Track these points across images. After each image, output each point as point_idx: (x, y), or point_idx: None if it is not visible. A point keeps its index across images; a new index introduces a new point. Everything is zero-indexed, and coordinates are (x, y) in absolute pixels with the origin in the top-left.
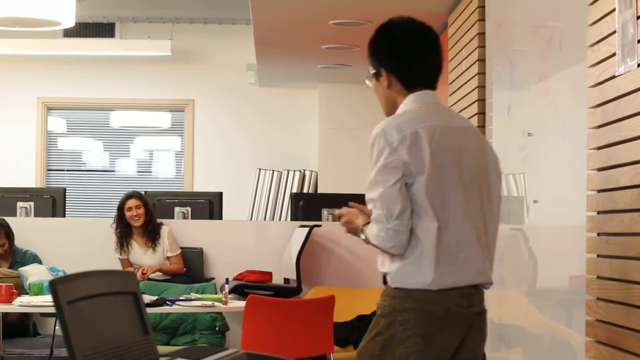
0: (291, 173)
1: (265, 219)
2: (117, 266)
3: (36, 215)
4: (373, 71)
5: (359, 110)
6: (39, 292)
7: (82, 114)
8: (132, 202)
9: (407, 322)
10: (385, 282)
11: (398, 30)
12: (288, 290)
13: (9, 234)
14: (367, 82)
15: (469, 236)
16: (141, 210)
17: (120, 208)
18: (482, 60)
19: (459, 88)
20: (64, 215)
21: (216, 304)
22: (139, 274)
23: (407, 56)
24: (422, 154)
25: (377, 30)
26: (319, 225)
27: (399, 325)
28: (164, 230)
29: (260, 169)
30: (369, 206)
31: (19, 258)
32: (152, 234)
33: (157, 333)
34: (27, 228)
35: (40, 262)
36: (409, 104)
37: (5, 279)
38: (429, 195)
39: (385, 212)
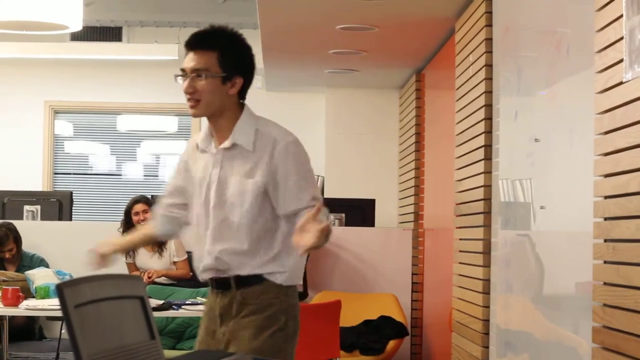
0: None
1: None
2: (124, 270)
3: (43, 218)
4: (223, 74)
5: (365, 115)
6: (45, 295)
7: (89, 118)
8: (139, 207)
9: (296, 317)
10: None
11: (247, 43)
12: None
13: (17, 239)
14: (195, 76)
15: None
16: (148, 215)
17: (128, 212)
18: (489, 66)
19: (465, 94)
20: (70, 219)
21: None
22: (144, 277)
23: (254, 72)
24: None
25: (234, 34)
26: None
27: (293, 320)
28: None
29: None
30: (313, 201)
31: (26, 262)
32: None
33: (163, 337)
34: (33, 231)
35: (47, 266)
36: (253, 113)
37: (11, 282)
38: None
39: None
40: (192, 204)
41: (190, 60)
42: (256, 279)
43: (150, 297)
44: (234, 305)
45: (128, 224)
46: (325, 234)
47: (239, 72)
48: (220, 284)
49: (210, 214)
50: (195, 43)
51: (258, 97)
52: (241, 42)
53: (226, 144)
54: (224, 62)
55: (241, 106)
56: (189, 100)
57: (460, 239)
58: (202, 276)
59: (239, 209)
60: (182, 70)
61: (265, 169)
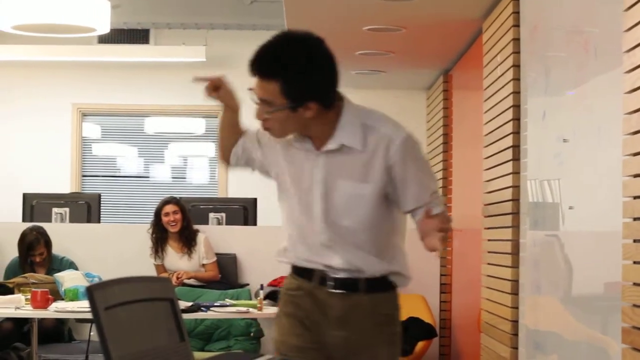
0: None
1: None
2: (152, 272)
3: (71, 221)
4: (290, 105)
5: (393, 116)
6: (74, 297)
7: (116, 120)
8: (169, 208)
9: None
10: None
11: (323, 55)
12: None
13: (47, 242)
14: (267, 107)
15: None
16: (178, 216)
17: (157, 213)
18: (516, 66)
19: (493, 94)
20: (98, 221)
21: (251, 310)
22: (173, 278)
23: (335, 81)
24: None
25: (299, 53)
26: None
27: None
28: (200, 237)
29: None
30: (432, 197)
31: (56, 265)
32: (188, 240)
33: (191, 339)
34: (62, 234)
35: (76, 269)
36: (357, 107)
37: (40, 284)
38: None
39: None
40: (287, 198)
41: (256, 86)
42: (385, 285)
43: (179, 299)
44: (361, 311)
45: (158, 225)
46: (447, 227)
47: (310, 98)
48: (345, 284)
49: (319, 219)
50: (257, 69)
51: None
52: (309, 62)
53: (331, 145)
54: (289, 91)
55: (335, 107)
56: (261, 125)
57: (489, 240)
58: (307, 265)
59: (355, 213)
60: (251, 90)
61: (381, 170)
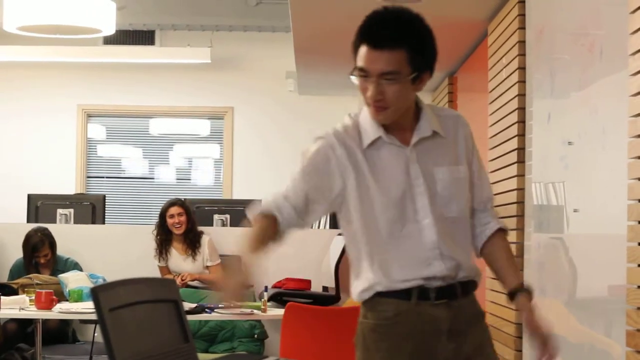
0: None
1: None
2: (157, 274)
3: (76, 222)
4: (414, 74)
5: None
6: (78, 298)
7: (121, 121)
8: (174, 210)
9: None
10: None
11: (430, 28)
12: (327, 299)
13: (52, 244)
14: (382, 81)
15: None
16: (183, 218)
17: (162, 215)
18: (522, 69)
19: (499, 96)
20: (103, 222)
21: (255, 311)
22: (177, 280)
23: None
24: None
25: (421, 24)
26: None
27: None
28: (205, 240)
29: None
30: (490, 203)
31: (60, 266)
32: (192, 242)
33: (195, 340)
34: (66, 235)
35: (80, 270)
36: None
37: (45, 285)
38: None
39: None
40: (382, 211)
41: (375, 61)
42: (474, 284)
43: (183, 301)
44: (462, 316)
45: (163, 227)
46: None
47: (428, 67)
48: (446, 292)
49: (426, 215)
50: (381, 39)
51: (291, 100)
52: (429, 31)
53: (424, 132)
54: (414, 60)
55: (417, 99)
56: (373, 105)
57: None
58: (409, 285)
59: (457, 201)
60: (363, 70)
61: (465, 153)
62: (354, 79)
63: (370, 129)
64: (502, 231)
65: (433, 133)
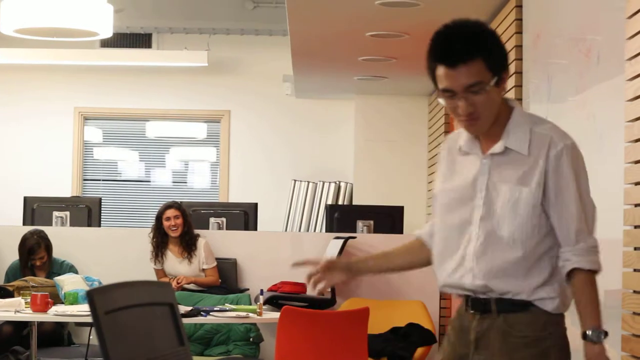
0: (326, 184)
1: (300, 230)
2: (153, 277)
3: (72, 224)
4: (495, 78)
5: (395, 122)
6: (74, 301)
7: (118, 124)
8: (170, 212)
9: (567, 349)
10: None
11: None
12: (322, 302)
13: (48, 247)
14: (469, 94)
15: None
16: (179, 221)
17: (159, 217)
18: (519, 73)
19: None
20: (99, 225)
21: (250, 315)
22: (173, 283)
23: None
24: None
25: (486, 29)
26: (354, 237)
27: (564, 353)
28: (201, 242)
29: (295, 180)
30: (579, 238)
31: (56, 269)
32: (188, 245)
33: (191, 343)
34: (62, 237)
35: (76, 273)
36: (525, 111)
37: (40, 288)
38: None
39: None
40: (444, 212)
41: (456, 78)
42: (523, 305)
43: (178, 304)
44: (495, 333)
45: (159, 230)
46: None
47: (505, 67)
48: (478, 305)
49: (476, 227)
50: (456, 56)
51: (288, 104)
52: (493, 32)
53: (497, 148)
54: (492, 65)
55: (507, 103)
56: (467, 120)
57: None
58: (449, 291)
59: (511, 221)
60: (448, 90)
61: (540, 176)
62: (441, 101)
63: (465, 136)
64: (580, 271)
65: (505, 149)
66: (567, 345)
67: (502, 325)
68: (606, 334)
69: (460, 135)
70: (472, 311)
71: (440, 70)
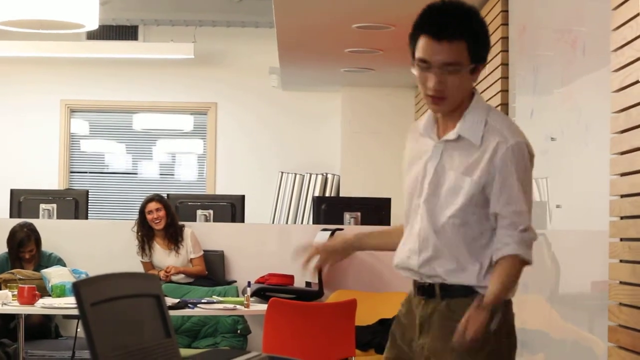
0: (313, 176)
1: (287, 222)
2: (140, 268)
3: (59, 217)
4: (472, 65)
5: (381, 114)
6: (61, 294)
7: (105, 117)
8: (152, 205)
9: (512, 334)
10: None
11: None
12: (310, 294)
13: (37, 240)
14: (445, 72)
15: None
16: (162, 213)
17: (142, 211)
18: (505, 65)
19: (482, 92)
20: (86, 218)
21: (238, 307)
22: (162, 274)
23: None
24: None
25: (479, 17)
26: (341, 229)
27: (508, 338)
28: (187, 232)
29: (282, 172)
30: (516, 218)
31: (44, 262)
32: (173, 237)
33: (178, 336)
34: (49, 230)
35: (64, 265)
36: (484, 102)
37: (27, 280)
38: None
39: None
40: (405, 194)
41: (438, 52)
42: (466, 290)
43: (166, 296)
44: (437, 316)
45: (143, 223)
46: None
47: (483, 60)
48: (423, 290)
49: (421, 209)
50: (444, 31)
51: (275, 96)
52: (485, 24)
53: (451, 135)
54: (474, 52)
55: (468, 94)
56: (432, 96)
57: None
58: (402, 273)
59: (452, 207)
60: (424, 61)
61: (485, 168)
62: (414, 70)
63: (425, 119)
64: (515, 257)
65: (458, 137)
66: (511, 331)
67: (445, 310)
68: (495, 323)
69: (421, 120)
70: (418, 296)
71: (423, 41)
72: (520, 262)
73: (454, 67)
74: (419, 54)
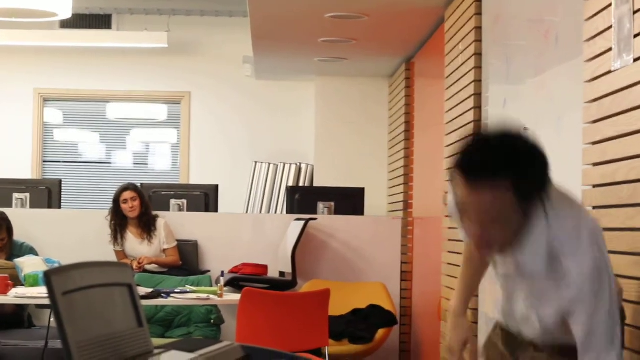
0: (287, 166)
1: (261, 212)
2: (113, 258)
3: (32, 206)
4: (519, 204)
5: (355, 104)
6: (34, 283)
7: (78, 106)
8: (127, 194)
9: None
10: None
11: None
12: (283, 284)
13: (9, 228)
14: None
15: None
16: (137, 202)
17: (116, 200)
18: (478, 54)
19: (455, 82)
20: (59, 207)
21: (211, 296)
22: (135, 264)
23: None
24: None
25: (528, 150)
26: (315, 219)
27: None
28: (160, 223)
29: (256, 162)
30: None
31: (16, 251)
32: (147, 226)
33: (152, 325)
34: (22, 219)
35: (36, 255)
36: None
37: (0, 270)
38: None
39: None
40: None
41: (473, 198)
42: None
43: (139, 285)
44: None
45: (116, 212)
46: None
47: (538, 192)
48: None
49: None
50: (480, 171)
51: (248, 85)
52: (532, 149)
53: (509, 267)
54: (521, 187)
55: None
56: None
57: (449, 228)
58: None
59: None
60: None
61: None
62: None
63: None
64: None
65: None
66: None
67: None
68: None
69: None
70: None
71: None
72: None
73: (494, 214)
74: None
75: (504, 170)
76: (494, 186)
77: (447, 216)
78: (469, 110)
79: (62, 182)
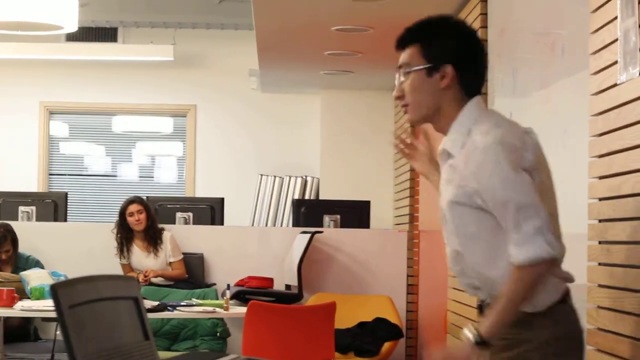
0: (293, 179)
1: (266, 225)
2: (119, 271)
3: (38, 219)
4: (427, 65)
5: (361, 117)
6: (40, 296)
7: (84, 119)
8: (133, 207)
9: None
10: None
11: (465, 28)
12: (289, 297)
13: (14, 240)
14: (401, 76)
15: None
16: (143, 215)
17: (122, 213)
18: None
19: None
20: (65, 220)
21: (217, 309)
22: (141, 277)
23: (477, 58)
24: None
25: (440, 21)
26: (321, 232)
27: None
28: (166, 236)
29: (262, 175)
30: (517, 213)
31: (21, 264)
32: (153, 239)
33: (158, 338)
34: (28, 232)
35: (42, 268)
36: (477, 110)
37: (6, 283)
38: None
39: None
40: None
41: (399, 62)
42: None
43: (145, 298)
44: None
45: (123, 225)
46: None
47: (447, 59)
48: (479, 308)
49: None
50: (399, 41)
51: (254, 98)
52: (450, 28)
53: (439, 149)
54: (427, 52)
55: (462, 101)
56: (400, 104)
57: None
58: None
59: (449, 223)
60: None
61: (459, 178)
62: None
63: None
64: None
65: (442, 151)
66: (559, 350)
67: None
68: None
69: None
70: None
71: None
72: (518, 269)
73: (404, 68)
74: None
75: (415, 37)
76: (406, 49)
77: None
78: None
79: (68, 195)
